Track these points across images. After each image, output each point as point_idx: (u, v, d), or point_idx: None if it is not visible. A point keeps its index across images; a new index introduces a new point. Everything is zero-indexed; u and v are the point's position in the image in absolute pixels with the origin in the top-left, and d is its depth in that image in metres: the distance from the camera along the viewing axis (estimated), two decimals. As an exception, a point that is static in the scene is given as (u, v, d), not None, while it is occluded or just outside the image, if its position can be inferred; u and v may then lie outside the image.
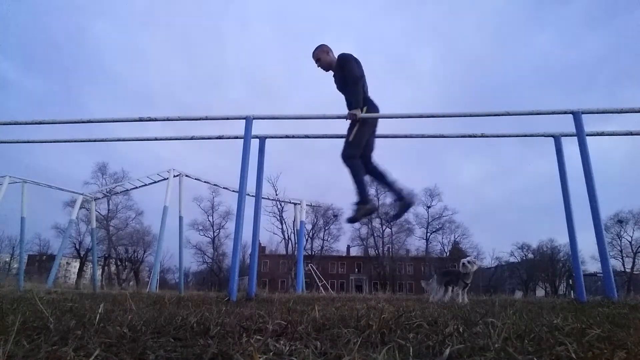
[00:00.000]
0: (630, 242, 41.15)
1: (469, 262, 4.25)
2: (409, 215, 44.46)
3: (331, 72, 4.18)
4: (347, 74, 3.89)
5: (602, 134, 4.47)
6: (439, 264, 40.21)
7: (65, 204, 31.87)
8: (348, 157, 3.89)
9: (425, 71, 70.17)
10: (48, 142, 5.52)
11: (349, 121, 3.98)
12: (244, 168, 4.08)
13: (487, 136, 4.73)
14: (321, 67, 4.13)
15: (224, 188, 14.76)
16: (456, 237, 45.10)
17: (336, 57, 4.03)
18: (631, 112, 4.06)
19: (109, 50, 66.61)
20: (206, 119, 4.75)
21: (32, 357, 0.85)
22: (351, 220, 3.90)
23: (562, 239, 41.82)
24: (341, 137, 4.98)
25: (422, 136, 4.80)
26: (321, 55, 4.09)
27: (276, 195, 31.11)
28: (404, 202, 3.95)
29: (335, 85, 4.17)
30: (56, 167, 54.39)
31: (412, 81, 69.92)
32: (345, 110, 4.02)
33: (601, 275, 3.89)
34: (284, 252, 43.72)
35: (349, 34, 73.17)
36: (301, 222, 13.26)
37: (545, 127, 4.50)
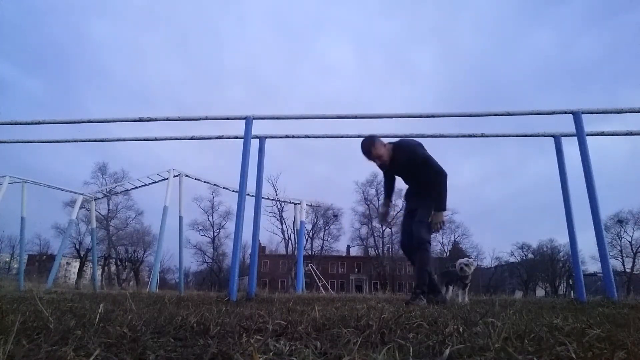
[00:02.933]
0: (630, 242, 41.18)
1: (466, 264, 4.22)
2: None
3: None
4: (432, 169, 3.46)
5: (602, 134, 4.47)
6: (439, 264, 40.22)
7: (65, 204, 31.95)
8: (426, 241, 3.51)
9: (424, 71, 70.21)
10: (48, 142, 5.52)
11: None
12: (244, 168, 4.08)
13: (487, 136, 4.74)
14: (382, 166, 3.66)
15: (224, 188, 14.76)
16: (456, 237, 45.15)
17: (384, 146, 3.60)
18: (631, 112, 4.06)
19: (108, 50, 66.61)
20: (206, 119, 4.75)
21: (32, 357, 0.85)
22: None
23: (562, 239, 41.89)
24: (340, 137, 4.99)
25: (422, 136, 4.78)
26: (381, 151, 3.55)
27: (276, 195, 31.16)
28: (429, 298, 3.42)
29: (386, 173, 3.88)
30: (56, 167, 54.41)
31: (411, 81, 69.98)
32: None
33: (601, 275, 3.89)
34: (284, 252, 43.73)
35: (347, 33, 73.16)
36: (301, 222, 13.26)
37: (545, 127, 4.51)
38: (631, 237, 41.12)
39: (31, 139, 5.31)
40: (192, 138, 5.18)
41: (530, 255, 46.64)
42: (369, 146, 3.53)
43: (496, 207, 60.04)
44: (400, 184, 4.02)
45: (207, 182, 13.96)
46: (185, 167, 24.42)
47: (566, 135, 4.34)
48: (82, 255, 39.23)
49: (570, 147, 4.30)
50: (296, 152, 59.34)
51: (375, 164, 3.67)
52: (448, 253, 44.05)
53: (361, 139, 3.70)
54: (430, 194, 3.57)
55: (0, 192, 10.48)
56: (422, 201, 3.64)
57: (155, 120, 4.73)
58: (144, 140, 5.36)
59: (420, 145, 3.59)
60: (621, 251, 41.54)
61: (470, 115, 4.45)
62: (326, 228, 45.38)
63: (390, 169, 3.75)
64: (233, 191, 13.43)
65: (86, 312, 1.73)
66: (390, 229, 44.16)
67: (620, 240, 41.68)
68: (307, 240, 42.48)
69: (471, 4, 71.24)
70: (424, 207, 3.59)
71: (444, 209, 3.46)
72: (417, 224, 3.56)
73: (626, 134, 4.36)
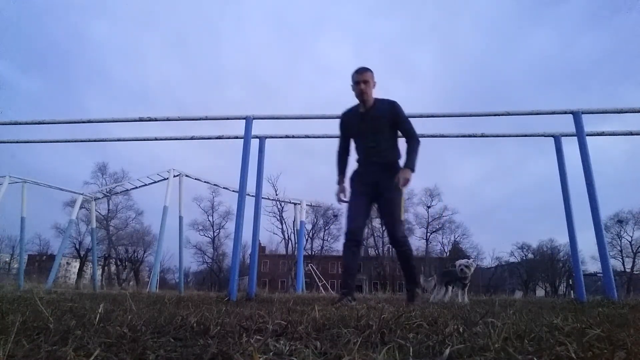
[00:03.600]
0: (630, 242, 41.17)
1: (466, 266, 4.21)
2: (409, 216, 44.57)
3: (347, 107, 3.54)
4: (412, 131, 3.34)
5: (602, 134, 4.47)
6: (439, 264, 40.23)
7: (65, 204, 31.88)
8: (407, 239, 3.34)
9: (423, 70, 70.15)
10: (48, 142, 5.53)
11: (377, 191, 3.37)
12: (244, 168, 4.08)
13: (487, 136, 4.74)
14: (362, 93, 3.30)
15: (224, 188, 14.77)
16: (456, 237, 45.14)
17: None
18: (631, 112, 4.07)
19: (108, 51, 66.61)
20: (206, 119, 4.76)
21: (32, 357, 0.85)
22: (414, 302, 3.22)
23: (562, 239, 41.85)
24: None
25: (422, 136, 4.77)
26: (371, 81, 3.33)
27: (276, 195, 31.15)
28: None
29: (357, 123, 3.43)
30: (56, 167, 54.37)
31: (411, 80, 69.93)
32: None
33: (601, 275, 3.90)
34: (284, 252, 43.74)
35: (346, 32, 73.12)
36: (301, 222, 13.27)
37: (545, 127, 4.51)
38: (631, 237, 41.14)
39: (31, 139, 5.32)
40: (192, 138, 5.18)
41: (530, 255, 46.64)
42: (366, 69, 3.34)
43: (496, 207, 60.06)
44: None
45: (207, 182, 13.98)
46: (185, 167, 24.42)
47: (566, 135, 4.34)
48: (82, 255, 39.22)
49: (570, 147, 4.31)
50: (296, 152, 59.31)
51: (356, 92, 3.34)
52: (448, 253, 44.05)
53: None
54: (395, 174, 3.28)
55: (0, 192, 10.48)
56: (388, 192, 3.29)
57: (155, 120, 4.73)
58: (144, 140, 5.37)
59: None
60: (621, 251, 41.56)
61: (470, 115, 4.45)
62: (326, 228, 45.43)
63: (364, 118, 3.37)
64: (233, 191, 13.43)
65: (86, 312, 1.73)
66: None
67: (620, 240, 41.71)
68: (307, 240, 42.50)
69: (471, 3, 71.27)
70: (393, 199, 3.28)
71: (414, 170, 3.22)
72: (392, 224, 3.27)
73: (626, 134, 4.36)
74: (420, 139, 3.36)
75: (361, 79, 3.30)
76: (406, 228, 3.35)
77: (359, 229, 3.33)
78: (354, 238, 3.30)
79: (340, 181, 3.64)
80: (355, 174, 3.55)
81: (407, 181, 3.17)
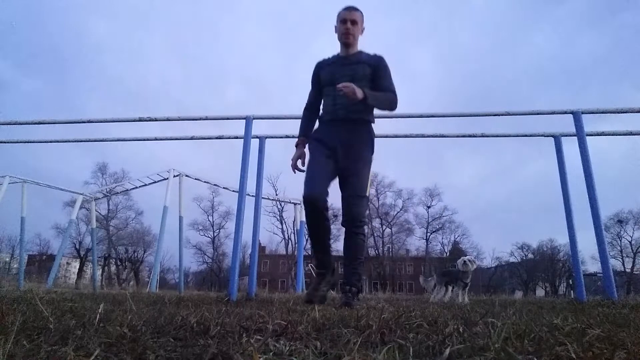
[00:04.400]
0: (630, 242, 41.22)
1: (469, 260, 4.26)
2: (408, 215, 44.55)
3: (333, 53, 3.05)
4: (392, 88, 2.90)
5: (602, 134, 4.47)
6: (439, 264, 40.23)
7: (65, 204, 31.94)
8: (365, 223, 2.86)
9: (423, 70, 70.14)
10: (48, 142, 5.53)
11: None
12: (244, 168, 4.08)
13: (487, 136, 4.74)
14: (347, 33, 2.87)
15: (224, 188, 14.75)
16: (456, 237, 45.21)
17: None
18: (631, 112, 4.06)
19: (107, 51, 66.62)
20: (206, 119, 4.76)
21: (32, 357, 0.85)
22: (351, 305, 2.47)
23: (562, 239, 41.90)
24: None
25: (422, 136, 4.80)
26: (360, 24, 2.92)
27: (276, 195, 31.15)
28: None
29: (338, 69, 2.92)
30: (56, 167, 54.41)
31: (410, 80, 69.84)
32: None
33: (601, 275, 3.89)
34: (284, 252, 43.76)
35: (349, 34, 72.91)
36: (301, 222, 13.26)
37: (545, 127, 4.51)
38: (631, 237, 41.19)
39: (31, 139, 5.32)
40: (192, 138, 5.18)
41: (530, 255, 46.70)
42: (356, 9, 2.91)
43: (496, 207, 60.07)
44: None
45: (207, 182, 13.97)
46: (185, 167, 24.46)
47: (566, 135, 4.34)
48: (82, 255, 39.26)
49: (570, 147, 4.31)
50: (296, 152, 59.16)
51: (340, 31, 2.92)
52: (448, 253, 44.07)
53: None
54: (365, 138, 2.88)
55: (0, 192, 10.48)
56: (355, 161, 2.81)
57: (155, 120, 4.73)
58: (144, 140, 5.37)
59: None
60: (621, 251, 41.59)
61: (470, 115, 4.45)
62: (326, 228, 45.36)
63: (342, 63, 2.93)
64: (233, 191, 13.43)
65: (86, 312, 1.72)
66: (390, 228, 44.21)
67: (620, 240, 41.74)
68: (307, 240, 42.48)
69: (471, 4, 71.22)
70: (359, 169, 2.80)
71: (365, 97, 2.66)
72: (353, 198, 2.77)
73: (626, 134, 4.36)
74: (397, 101, 2.92)
75: (350, 17, 2.86)
76: (368, 211, 2.93)
77: (320, 194, 2.76)
78: (315, 207, 2.80)
79: (301, 143, 3.03)
80: (317, 133, 3.00)
81: (351, 91, 2.61)
